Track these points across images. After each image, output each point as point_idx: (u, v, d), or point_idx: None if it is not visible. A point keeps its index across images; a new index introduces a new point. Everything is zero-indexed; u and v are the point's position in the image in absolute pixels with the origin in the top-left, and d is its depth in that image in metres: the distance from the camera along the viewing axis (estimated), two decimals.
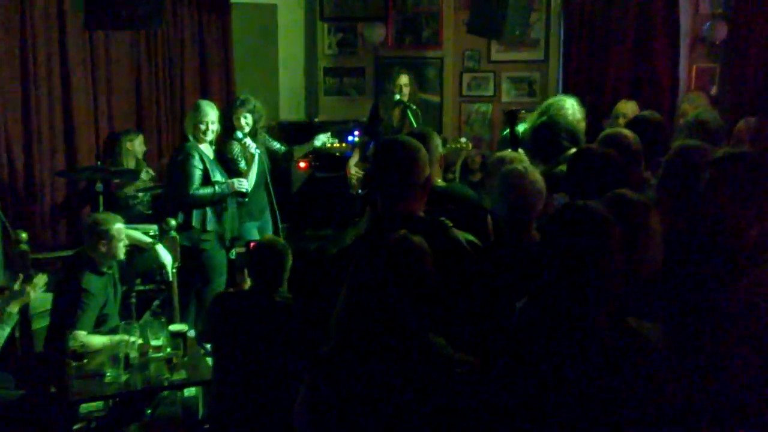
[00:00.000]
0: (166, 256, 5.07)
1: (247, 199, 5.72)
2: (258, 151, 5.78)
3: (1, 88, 6.21)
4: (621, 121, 6.16)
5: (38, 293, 4.27)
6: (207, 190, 5.44)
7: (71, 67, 6.55)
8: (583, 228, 2.15)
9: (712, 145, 4.04)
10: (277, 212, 6.06)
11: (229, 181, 5.57)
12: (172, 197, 5.64)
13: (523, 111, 5.56)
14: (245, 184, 5.64)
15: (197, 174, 5.42)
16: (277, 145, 6.21)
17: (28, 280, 4.15)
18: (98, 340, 4.28)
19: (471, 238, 2.80)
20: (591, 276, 2.12)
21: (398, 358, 2.17)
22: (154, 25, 5.23)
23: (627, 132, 4.12)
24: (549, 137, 4.55)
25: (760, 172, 2.50)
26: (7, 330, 4.06)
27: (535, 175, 3.40)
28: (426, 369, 2.18)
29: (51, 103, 6.50)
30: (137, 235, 5.06)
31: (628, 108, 6.36)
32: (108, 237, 4.49)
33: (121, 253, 4.61)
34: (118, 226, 4.57)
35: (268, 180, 5.93)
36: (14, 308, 4.09)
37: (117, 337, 4.18)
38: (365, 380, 2.18)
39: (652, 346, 2.16)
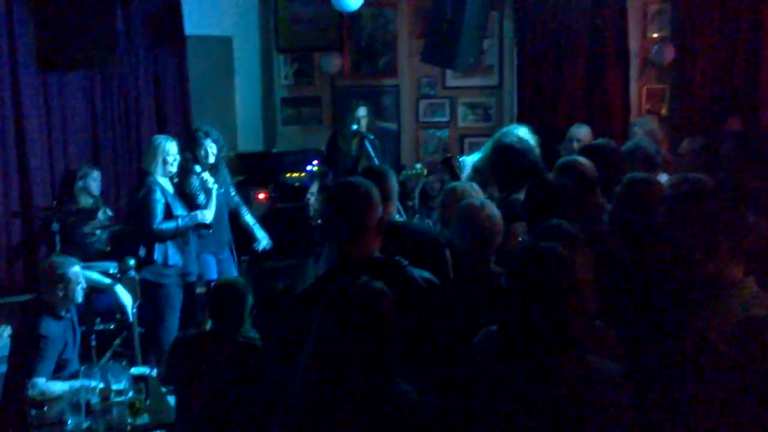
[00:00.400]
0: (125, 297, 5.03)
1: (210, 230, 5.71)
2: (215, 185, 5.76)
3: None
4: (575, 145, 6.27)
5: None
6: (170, 224, 5.42)
7: (24, 106, 6.48)
8: (547, 270, 2.19)
9: (652, 169, 4.28)
10: (234, 249, 6.09)
11: (192, 213, 5.57)
12: (135, 233, 5.60)
13: (457, 156, 5.69)
14: (208, 216, 5.63)
15: (159, 208, 5.40)
16: (232, 192, 6.19)
17: None
18: (58, 387, 4.21)
19: (427, 275, 2.83)
20: (555, 316, 2.15)
21: (366, 407, 2.18)
22: (108, 65, 5.20)
23: (582, 160, 4.21)
24: (509, 162, 4.62)
25: (715, 210, 2.54)
26: None
27: (493, 209, 3.45)
28: (394, 416, 2.19)
29: (4, 144, 6.42)
30: (95, 276, 5.01)
31: (582, 132, 6.48)
32: (65, 281, 4.43)
33: (80, 296, 4.55)
34: (75, 269, 4.51)
35: (245, 209, 6.06)
36: None
37: (77, 383, 4.12)
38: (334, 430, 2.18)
39: (613, 383, 2.20)
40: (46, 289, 4.47)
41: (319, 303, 2.30)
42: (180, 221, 5.45)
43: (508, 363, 2.23)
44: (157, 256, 5.41)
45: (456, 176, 5.44)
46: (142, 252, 5.41)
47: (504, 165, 4.66)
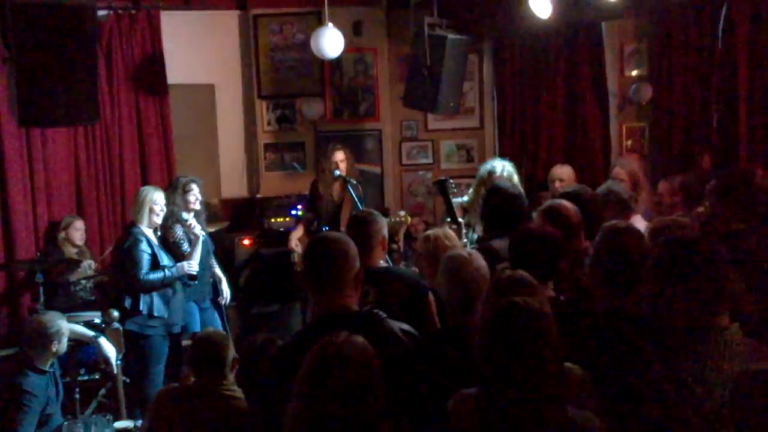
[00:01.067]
0: (109, 349, 5.00)
1: (196, 282, 5.73)
2: (202, 232, 5.80)
3: None
4: (557, 184, 6.34)
5: None
6: (157, 275, 5.43)
7: (6, 156, 6.44)
8: (521, 328, 2.19)
9: (626, 212, 4.43)
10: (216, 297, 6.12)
11: (179, 264, 5.57)
12: (121, 283, 5.60)
13: (451, 180, 5.72)
14: (195, 267, 5.65)
15: (146, 259, 5.42)
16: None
17: None
18: None
19: (406, 327, 2.83)
20: (533, 371, 2.15)
21: None
22: (91, 119, 5.20)
23: (566, 203, 4.24)
24: (499, 206, 4.67)
25: (697, 258, 2.56)
26: None
27: (479, 260, 3.42)
28: None
29: None
30: (79, 329, 5.01)
31: (563, 172, 6.55)
32: (57, 336, 4.47)
33: (65, 347, 4.58)
34: (62, 322, 4.54)
35: (214, 260, 5.98)
36: None
37: None
38: None
39: None
40: (37, 347, 4.46)
41: (299, 359, 2.29)
42: (167, 272, 5.46)
43: (487, 421, 2.22)
44: (143, 307, 5.41)
45: (449, 199, 5.48)
46: (127, 303, 5.40)
47: (493, 208, 4.72)
